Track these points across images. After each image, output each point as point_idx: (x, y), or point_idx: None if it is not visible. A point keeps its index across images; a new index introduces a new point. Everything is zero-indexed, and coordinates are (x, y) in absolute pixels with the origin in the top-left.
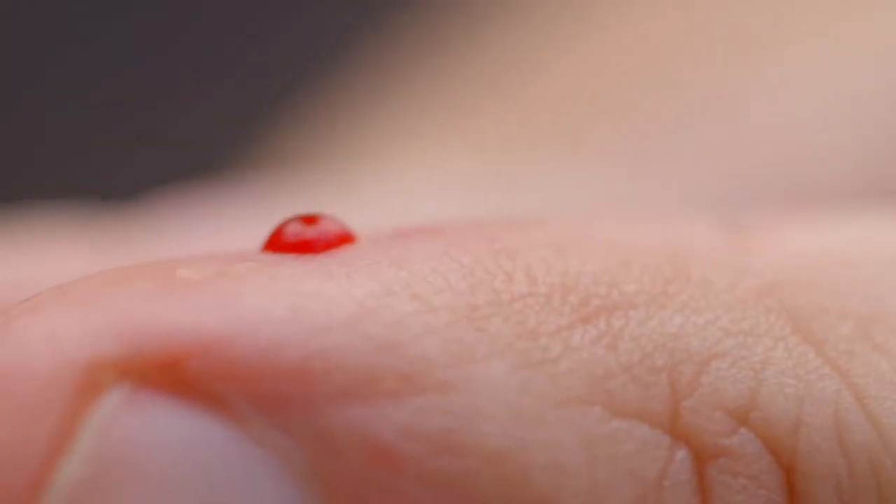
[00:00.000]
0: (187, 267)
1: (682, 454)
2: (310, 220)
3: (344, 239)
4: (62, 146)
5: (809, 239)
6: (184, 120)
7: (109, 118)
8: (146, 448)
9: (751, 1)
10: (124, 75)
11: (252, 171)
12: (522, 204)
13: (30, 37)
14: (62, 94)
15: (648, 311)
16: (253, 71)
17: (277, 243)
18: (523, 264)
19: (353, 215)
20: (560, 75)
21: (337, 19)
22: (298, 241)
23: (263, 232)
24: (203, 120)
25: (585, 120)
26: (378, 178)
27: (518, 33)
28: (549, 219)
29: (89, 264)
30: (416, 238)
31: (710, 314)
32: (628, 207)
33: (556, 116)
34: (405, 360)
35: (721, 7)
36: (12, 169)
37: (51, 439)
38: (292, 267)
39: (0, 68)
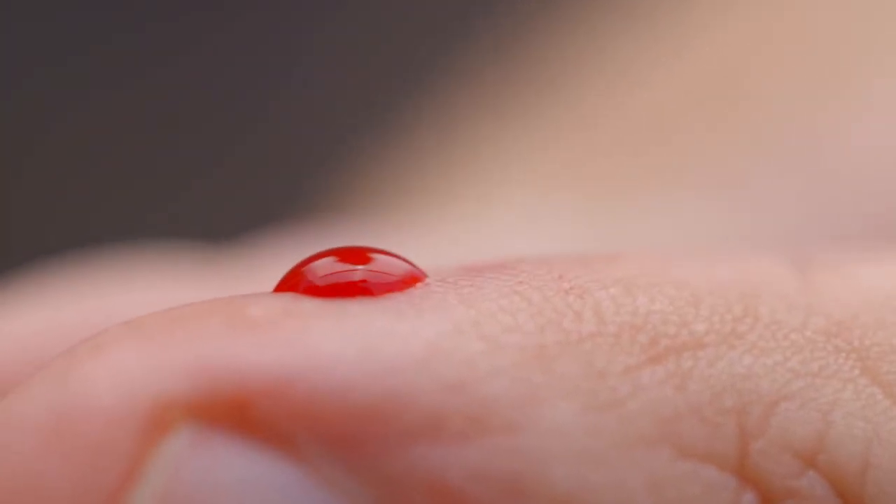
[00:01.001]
0: (257, 305)
1: (749, 497)
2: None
3: (407, 281)
4: (166, 187)
5: (879, 278)
6: (276, 163)
7: (210, 163)
8: (214, 489)
9: (845, 30)
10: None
11: (348, 212)
12: (611, 239)
13: (131, 84)
14: (166, 141)
15: (718, 352)
16: (338, 116)
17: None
18: (592, 303)
19: (431, 253)
20: (649, 107)
21: (413, 55)
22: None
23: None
24: (295, 163)
25: (677, 153)
26: (464, 215)
27: (607, 64)
28: (618, 256)
29: (189, 298)
30: (484, 275)
31: (779, 355)
32: (720, 243)
33: (646, 149)
34: (473, 401)
35: (816, 35)
36: (119, 208)
37: (118, 479)
38: (361, 305)
39: (106, 112)
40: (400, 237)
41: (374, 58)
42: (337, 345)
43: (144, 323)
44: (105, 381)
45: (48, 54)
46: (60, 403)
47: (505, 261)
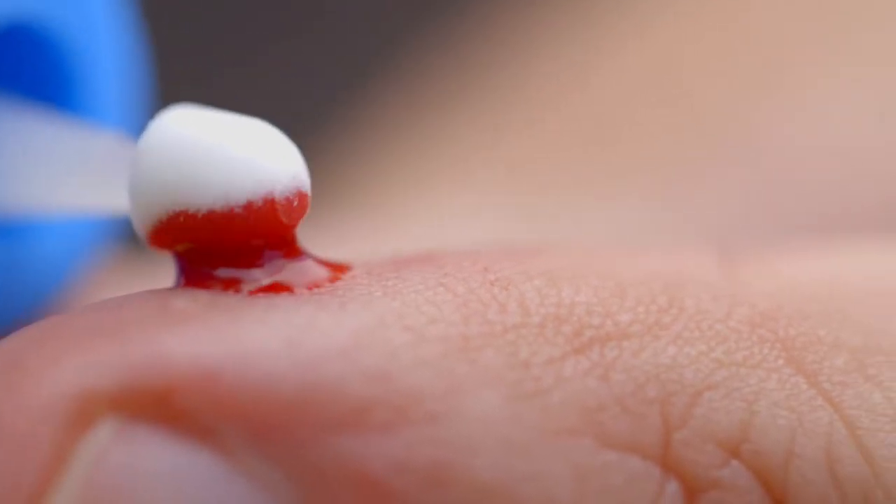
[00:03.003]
0: (181, 298)
1: (672, 487)
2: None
3: (330, 277)
4: None
5: (805, 269)
6: None
7: None
8: (137, 480)
9: (783, 30)
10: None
11: None
12: (542, 233)
13: None
14: None
15: (642, 342)
16: (290, 97)
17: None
18: (516, 294)
19: (364, 247)
20: (590, 107)
21: (364, 46)
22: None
23: None
24: None
25: (618, 153)
26: (398, 208)
27: (549, 64)
28: (544, 248)
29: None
30: (410, 268)
31: (703, 345)
32: (650, 238)
33: (586, 149)
34: (396, 392)
35: (752, 29)
36: None
37: (42, 471)
38: (286, 298)
39: None
40: (335, 230)
41: (326, 46)
42: (261, 336)
43: (71, 318)
44: (29, 377)
45: None
46: None
47: (431, 253)
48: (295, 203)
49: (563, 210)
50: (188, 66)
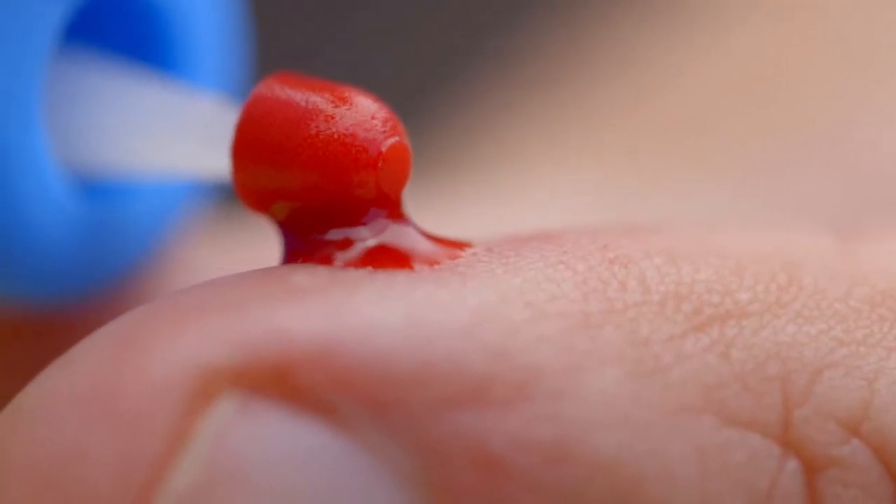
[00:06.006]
0: (301, 274)
1: (792, 464)
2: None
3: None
4: None
5: None
6: None
7: None
8: (258, 456)
9: (882, 35)
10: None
11: None
12: (642, 218)
13: None
14: None
15: (762, 320)
16: (384, 83)
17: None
18: (637, 272)
19: (474, 223)
20: (686, 100)
21: (464, 35)
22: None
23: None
24: None
25: (711, 144)
26: (501, 187)
27: (649, 55)
28: (663, 227)
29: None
30: (530, 245)
31: (823, 323)
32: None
33: (680, 139)
34: (517, 368)
35: (855, 38)
36: None
37: (163, 448)
38: (406, 274)
39: None
40: (438, 210)
41: (425, 33)
42: (380, 312)
43: (191, 293)
44: (147, 354)
45: None
46: (107, 375)
47: (550, 232)
48: (395, 154)
49: (665, 193)
50: (291, 32)
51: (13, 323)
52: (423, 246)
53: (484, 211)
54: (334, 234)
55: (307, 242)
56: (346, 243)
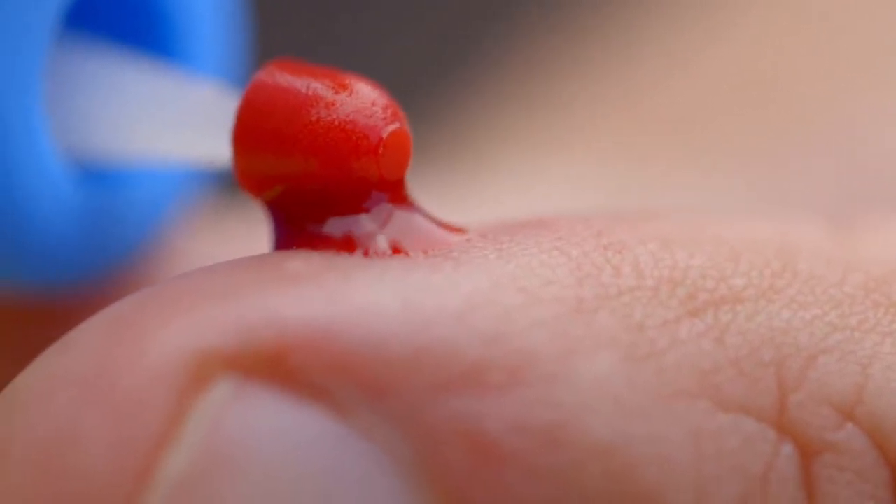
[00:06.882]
0: (296, 260)
1: (787, 449)
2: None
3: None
4: None
5: None
6: None
7: None
8: (253, 441)
9: (884, 24)
10: None
11: None
12: (643, 204)
13: None
14: None
15: (756, 306)
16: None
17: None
18: (631, 258)
19: (471, 211)
20: (687, 94)
21: (465, 24)
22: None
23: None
24: None
25: (712, 137)
26: (497, 176)
27: (647, 43)
28: (657, 213)
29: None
30: (524, 232)
31: (817, 309)
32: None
33: (681, 131)
34: (512, 353)
35: (858, 35)
36: None
37: (158, 432)
38: (400, 260)
39: None
40: (443, 195)
41: (426, 24)
42: (375, 297)
43: (186, 279)
44: (143, 337)
45: None
46: (102, 359)
47: (544, 218)
48: (396, 138)
49: (661, 184)
50: (291, 20)
51: (12, 309)
52: (422, 230)
53: (481, 199)
54: (336, 222)
55: (305, 231)
56: (350, 240)
